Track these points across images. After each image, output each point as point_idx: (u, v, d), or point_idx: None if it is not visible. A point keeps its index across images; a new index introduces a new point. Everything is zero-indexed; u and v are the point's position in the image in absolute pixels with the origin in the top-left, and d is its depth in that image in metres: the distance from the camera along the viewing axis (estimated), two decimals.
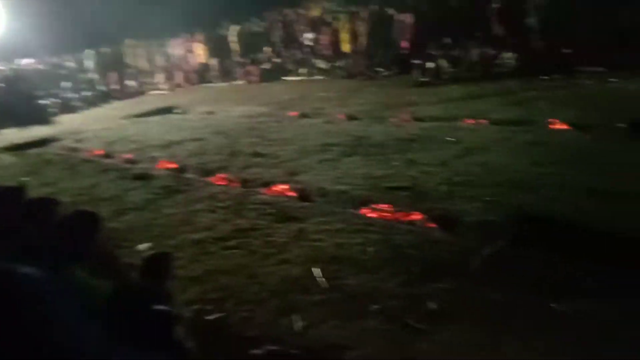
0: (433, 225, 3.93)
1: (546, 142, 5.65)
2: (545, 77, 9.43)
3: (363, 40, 13.59)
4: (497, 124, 6.82)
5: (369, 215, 4.26)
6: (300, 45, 15.54)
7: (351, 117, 8.56)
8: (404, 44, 12.79)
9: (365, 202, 4.53)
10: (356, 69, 13.12)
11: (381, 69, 12.58)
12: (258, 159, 6.47)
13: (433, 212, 4.10)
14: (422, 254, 3.41)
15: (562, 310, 2.60)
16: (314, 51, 14.89)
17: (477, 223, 3.82)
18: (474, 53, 11.47)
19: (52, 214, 2.88)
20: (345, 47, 14.05)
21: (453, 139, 6.22)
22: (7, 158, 8.55)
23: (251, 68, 15.74)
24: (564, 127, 6.23)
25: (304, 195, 5.06)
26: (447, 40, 11.86)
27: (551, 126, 6.31)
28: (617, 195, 3.96)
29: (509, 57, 10.83)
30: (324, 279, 3.17)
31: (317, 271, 3.28)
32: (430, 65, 11.01)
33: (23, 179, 6.72)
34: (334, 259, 3.45)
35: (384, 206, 4.34)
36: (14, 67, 16.91)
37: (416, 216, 4.06)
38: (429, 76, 10.94)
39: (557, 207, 3.90)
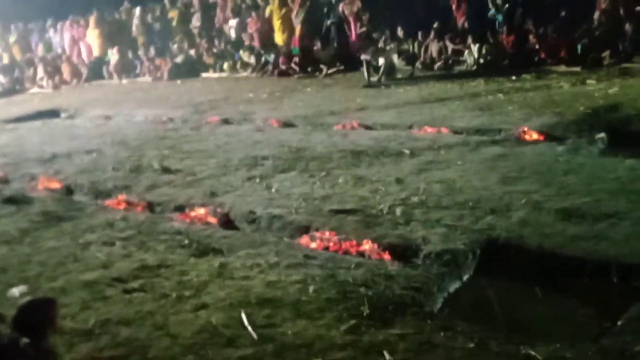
0: (387, 256, 3.99)
1: (516, 155, 5.92)
2: (514, 78, 9.92)
3: (300, 29, 13.76)
4: (460, 132, 7.08)
5: (310, 245, 4.26)
6: (223, 35, 15.52)
7: (286, 124, 8.61)
8: (350, 35, 13.08)
9: (305, 230, 4.54)
10: (291, 64, 13.24)
11: (322, 66, 12.77)
12: (169, 176, 6.35)
13: (387, 240, 4.17)
14: (374, 292, 3.45)
15: (539, 358, 2.69)
16: (239, 42, 14.89)
17: (439, 252, 3.91)
18: (432, 48, 11.91)
19: None
20: (279, 38, 14.17)
21: (408, 151, 6.38)
22: None
23: (159, 62, 15.53)
24: (536, 137, 6.56)
25: (227, 222, 5.01)
26: (400, 32, 12.25)
27: (522, 136, 6.62)
28: (596, 217, 4.19)
29: (472, 53, 11.32)
30: (252, 328, 3.13)
31: (244, 318, 3.23)
32: (380, 62, 11.31)
33: None
34: (265, 302, 3.42)
35: (328, 234, 4.37)
36: None
37: (367, 246, 4.11)
38: (380, 75, 11.23)
39: (528, 231, 4.07)
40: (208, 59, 15.02)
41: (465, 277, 3.81)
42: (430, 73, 11.45)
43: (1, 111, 12.81)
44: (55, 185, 6.50)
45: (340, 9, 13.12)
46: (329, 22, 13.26)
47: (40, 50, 18.23)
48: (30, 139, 9.29)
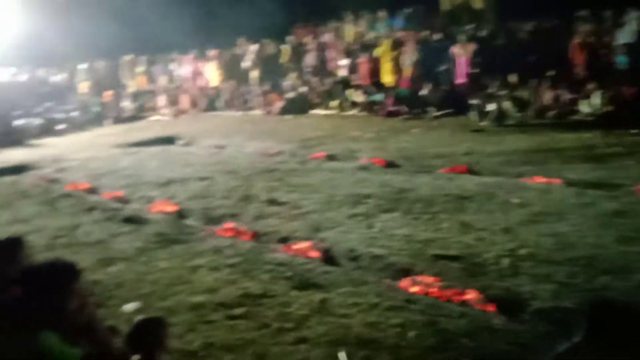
0: (491, 308, 3.86)
1: (636, 213, 5.56)
2: (635, 131, 9.38)
3: (409, 71, 13.83)
4: (574, 185, 6.76)
5: (410, 289, 4.21)
6: (333, 74, 15.88)
7: (391, 164, 8.61)
8: (460, 79, 12.97)
9: (406, 272, 4.49)
10: (398, 105, 13.29)
11: (430, 108, 12.72)
12: (275, 208, 6.52)
13: (492, 291, 4.04)
14: (476, 344, 3.34)
15: None
16: (348, 81, 15.18)
17: (548, 310, 3.73)
18: (547, 95, 11.54)
19: (17, 261, 2.93)
20: (387, 79, 14.30)
21: (518, 200, 6.17)
22: None
23: (272, 97, 16.09)
24: None
25: (329, 258, 5.05)
26: (513, 77, 11.98)
27: None
28: None
29: (590, 103, 10.85)
30: None
31: (342, 356, 3.22)
32: (491, 107, 11.08)
33: None
34: (364, 343, 3.40)
35: (430, 279, 4.30)
36: None
37: (470, 295, 4.00)
38: (490, 120, 11.00)
39: None
40: (318, 97, 15.39)
41: (575, 339, 3.59)
42: (543, 121, 11.07)
43: (125, 136, 13.73)
44: (170, 208, 6.85)
45: (452, 51, 13.07)
46: (441, 67, 13.22)
47: (162, 80, 19.46)
48: (149, 163, 9.87)
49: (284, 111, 15.22)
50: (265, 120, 14.71)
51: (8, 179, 9.39)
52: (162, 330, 2.83)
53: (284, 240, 5.50)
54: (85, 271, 2.63)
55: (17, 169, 10.17)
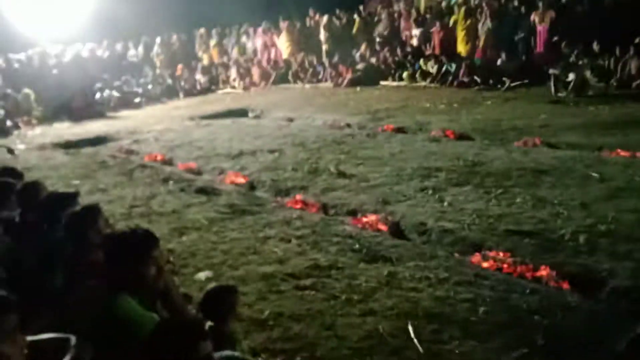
0: (566, 285, 3.75)
1: None
2: None
3: (484, 40, 13.41)
4: None
5: (481, 264, 4.14)
6: (404, 44, 15.61)
7: (463, 136, 8.43)
8: (538, 47, 12.46)
9: (477, 247, 4.42)
10: (472, 76, 12.93)
11: (505, 78, 12.31)
12: (343, 181, 6.53)
13: (567, 268, 3.92)
14: (549, 322, 3.26)
15: None
16: (420, 52, 14.89)
17: (626, 288, 3.59)
18: (632, 64, 10.91)
19: (97, 227, 3.07)
20: (461, 48, 13.92)
21: (597, 175, 5.92)
22: (59, 156, 9.25)
23: (342, 68, 16.01)
24: None
25: (397, 231, 5.03)
26: (595, 46, 11.39)
27: None
28: None
29: None
30: (418, 341, 3.11)
31: (410, 330, 3.22)
32: (571, 77, 10.60)
33: (74, 182, 7.26)
34: (432, 317, 3.38)
35: (502, 254, 4.21)
36: (72, 52, 18.28)
37: (544, 272, 3.90)
38: (569, 91, 10.53)
39: None
40: (388, 68, 15.19)
41: None
42: (627, 92, 10.50)
43: (198, 108, 14.06)
44: (241, 180, 7.00)
45: (531, 18, 12.55)
46: (518, 35, 12.73)
47: (235, 53, 19.72)
48: (220, 136, 10.08)
49: (354, 83, 15.13)
50: (335, 93, 14.67)
51: (89, 150, 9.84)
52: (233, 299, 2.91)
53: (353, 213, 5.52)
54: (160, 240, 2.72)
55: (97, 141, 10.63)
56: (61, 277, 2.85)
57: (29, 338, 2.28)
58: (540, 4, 12.48)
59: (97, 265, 2.60)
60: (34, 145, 10.39)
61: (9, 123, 12.38)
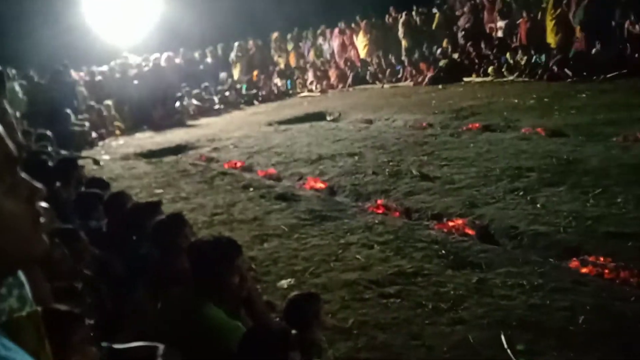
0: None
1: None
2: None
3: (576, 30, 12.90)
4: None
5: (580, 270, 3.98)
6: (489, 37, 15.27)
7: (555, 133, 8.13)
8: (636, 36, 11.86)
9: (575, 252, 4.26)
10: (564, 68, 12.47)
11: (601, 69, 11.78)
12: (427, 183, 6.46)
13: None
14: None
15: None
16: (506, 44, 14.51)
17: None
18: None
19: (183, 235, 3.19)
20: (551, 39, 13.46)
21: None
22: (142, 166, 9.69)
23: (422, 66, 15.86)
24: None
25: (486, 236, 4.93)
26: None
27: None
28: None
29: None
30: (511, 352, 3.03)
31: (503, 340, 3.15)
32: None
33: (157, 190, 7.58)
34: (526, 326, 3.29)
35: (602, 259, 4.03)
36: (151, 62, 18.94)
37: None
38: None
39: None
40: (472, 63, 14.91)
41: None
42: None
43: (276, 113, 14.33)
44: (320, 185, 7.08)
45: (627, 4, 11.98)
46: (614, 23, 12.17)
47: (311, 56, 19.98)
48: (299, 140, 10.23)
49: (435, 80, 14.96)
50: (415, 91, 14.55)
51: (170, 158, 10.24)
52: (317, 307, 2.95)
53: (437, 217, 5.45)
54: (243, 247, 2.80)
55: (178, 149, 11.06)
56: (148, 286, 2.99)
57: (117, 346, 2.41)
58: None
59: (183, 273, 2.71)
60: (117, 156, 10.93)
61: (93, 135, 13.04)
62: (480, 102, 11.30)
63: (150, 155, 10.84)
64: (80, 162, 6.85)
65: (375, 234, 5.05)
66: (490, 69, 14.39)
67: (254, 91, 18.19)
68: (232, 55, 20.57)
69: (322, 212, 5.82)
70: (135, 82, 16.32)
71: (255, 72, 19.18)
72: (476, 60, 14.89)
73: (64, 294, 2.56)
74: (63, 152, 8.67)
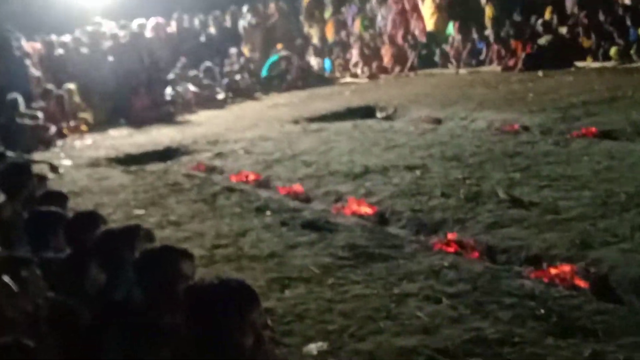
0: None
1: None
2: None
3: None
4: None
5: None
6: (612, 5, 15.18)
7: None
8: None
9: None
10: None
11: None
12: (520, 212, 6.43)
13: None
14: None
15: None
16: (637, 15, 14.40)
17: None
18: None
19: (176, 278, 3.23)
20: None
21: None
22: (117, 176, 9.82)
23: (514, 44, 15.82)
24: None
25: (605, 290, 4.88)
26: None
27: None
28: None
29: None
30: None
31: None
32: None
33: (137, 211, 7.67)
34: None
35: None
36: (132, 30, 18.41)
37: None
38: None
39: None
40: (586, 41, 14.84)
41: None
42: None
43: (306, 106, 14.39)
44: (367, 210, 7.08)
45: None
46: None
47: (357, 27, 19.96)
48: (337, 145, 10.26)
49: (533, 65, 14.94)
50: (504, 80, 14.51)
51: (157, 166, 10.35)
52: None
53: (534, 260, 5.41)
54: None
55: (167, 154, 11.19)
56: (126, 345, 3.03)
57: None
58: None
59: (176, 328, 2.74)
60: (83, 161, 11.10)
61: (51, 130, 13.10)
62: (598, 98, 11.24)
63: (128, 161, 10.98)
64: (33, 168, 6.97)
65: (444, 282, 5.03)
66: (613, 51, 14.30)
67: (275, 73, 18.27)
68: (245, 23, 20.48)
69: (368, 249, 5.82)
70: (110, 58, 16.49)
71: (278, 46, 19.12)
72: (593, 38, 14.80)
73: (9, 354, 2.60)
74: (8, 154, 8.82)
